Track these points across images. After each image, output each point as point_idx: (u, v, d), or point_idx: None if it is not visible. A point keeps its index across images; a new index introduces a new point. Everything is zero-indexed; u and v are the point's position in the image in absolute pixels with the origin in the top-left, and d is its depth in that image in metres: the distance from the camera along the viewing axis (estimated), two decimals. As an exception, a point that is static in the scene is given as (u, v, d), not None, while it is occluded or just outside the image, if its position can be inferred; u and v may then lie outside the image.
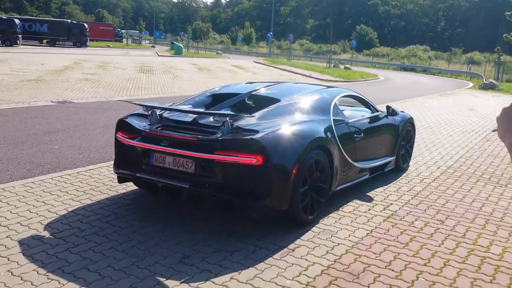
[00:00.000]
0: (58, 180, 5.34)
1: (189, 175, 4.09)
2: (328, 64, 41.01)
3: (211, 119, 4.40)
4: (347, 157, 4.98)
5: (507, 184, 6.24)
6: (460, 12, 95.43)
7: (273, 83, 5.80)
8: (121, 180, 4.72)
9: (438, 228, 4.49)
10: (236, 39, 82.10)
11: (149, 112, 4.52)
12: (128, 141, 4.44)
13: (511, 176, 6.71)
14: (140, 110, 4.83)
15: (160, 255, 3.60)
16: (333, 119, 4.92)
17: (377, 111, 6.17)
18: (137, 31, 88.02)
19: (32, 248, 3.60)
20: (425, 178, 6.32)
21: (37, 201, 4.64)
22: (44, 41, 51.37)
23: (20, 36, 42.35)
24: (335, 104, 5.21)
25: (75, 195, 4.89)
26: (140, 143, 4.34)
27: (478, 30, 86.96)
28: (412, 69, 48.25)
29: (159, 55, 43.83)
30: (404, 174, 6.45)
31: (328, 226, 4.37)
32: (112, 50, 50.31)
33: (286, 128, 4.21)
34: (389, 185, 5.88)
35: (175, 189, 4.09)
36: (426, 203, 5.26)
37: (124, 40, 75.18)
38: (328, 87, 6.16)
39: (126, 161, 4.56)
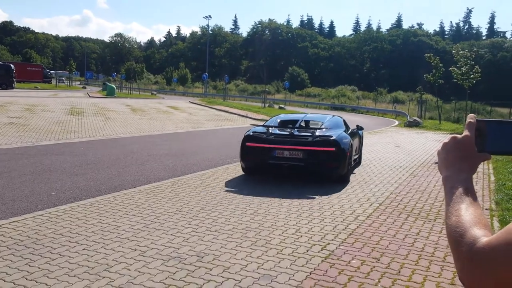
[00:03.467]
0: (-23, 235, 4.92)
1: (300, 160, 8.27)
2: (263, 104, 41.89)
3: (297, 131, 8.77)
4: (352, 150, 9.18)
5: (436, 219, 6.53)
6: (384, 54, 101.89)
7: (306, 113, 11.56)
8: (247, 170, 8.90)
9: (374, 266, 4.57)
10: (171, 79, 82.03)
11: (266, 129, 8.75)
12: (259, 144, 8.37)
13: (439, 210, 7.04)
14: (253, 129, 9.13)
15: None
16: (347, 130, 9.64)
17: (349, 127, 10.11)
18: (67, 72, 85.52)
19: None
20: (359, 216, 6.48)
21: (-48, 259, 4.23)
22: (-34, 82, 48.44)
23: None
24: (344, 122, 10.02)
25: (-4, 250, 4.51)
26: (269, 145, 8.34)
27: (401, 71, 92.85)
28: (342, 108, 50.30)
29: (90, 96, 42.75)
30: (339, 213, 6.58)
31: (267, 271, 4.32)
32: (40, 91, 48.44)
33: (341, 134, 8.78)
34: (326, 224, 5.97)
35: (293, 167, 8.46)
36: (362, 241, 5.37)
37: (53, 81, 72.84)
38: (333, 115, 10.78)
39: (255, 157, 8.52)
